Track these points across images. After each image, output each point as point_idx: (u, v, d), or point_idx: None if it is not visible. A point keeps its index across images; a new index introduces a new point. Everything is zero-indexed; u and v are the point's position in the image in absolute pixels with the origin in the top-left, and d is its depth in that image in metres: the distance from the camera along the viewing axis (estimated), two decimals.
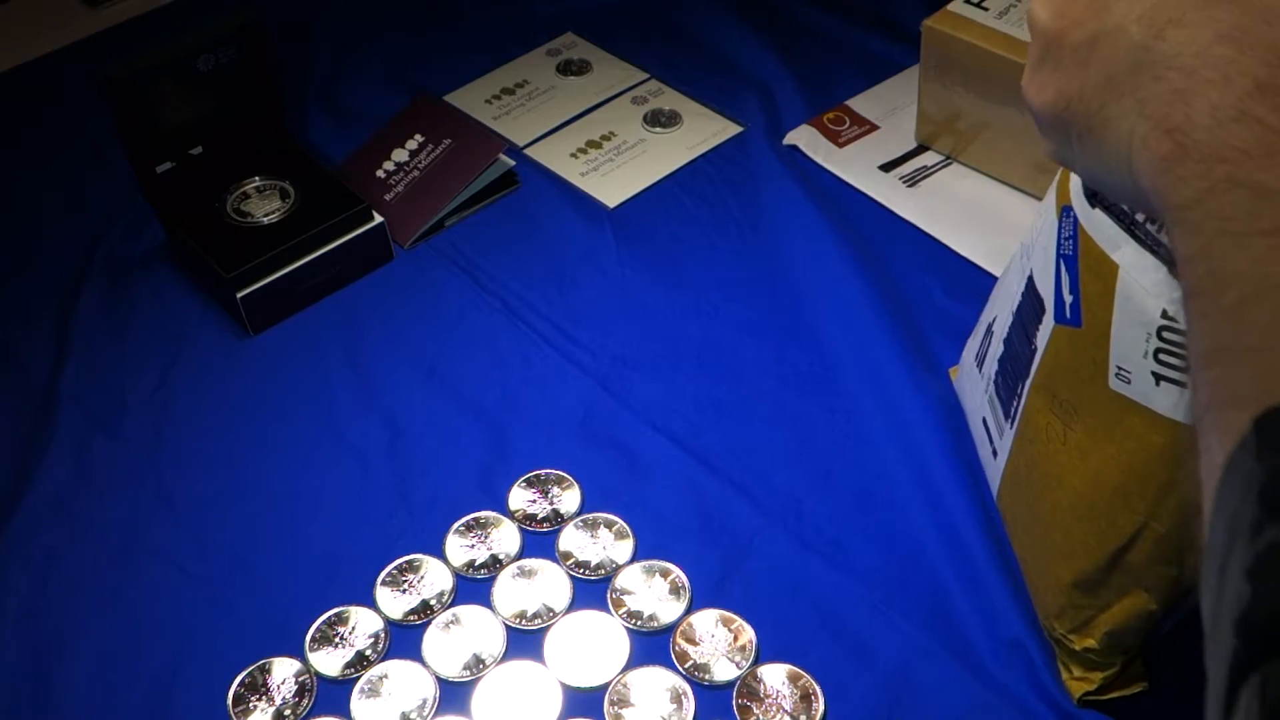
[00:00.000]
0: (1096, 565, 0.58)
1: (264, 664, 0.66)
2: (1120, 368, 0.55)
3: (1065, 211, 0.58)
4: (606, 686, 0.64)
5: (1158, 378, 0.53)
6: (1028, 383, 0.62)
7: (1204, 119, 0.31)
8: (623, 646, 0.65)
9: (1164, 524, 0.55)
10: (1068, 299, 0.58)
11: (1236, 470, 0.28)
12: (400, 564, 0.70)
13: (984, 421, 0.70)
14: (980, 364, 0.71)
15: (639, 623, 0.66)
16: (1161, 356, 0.53)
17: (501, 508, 0.73)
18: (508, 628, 0.67)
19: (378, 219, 0.88)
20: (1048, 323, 0.60)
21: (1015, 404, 0.64)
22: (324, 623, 0.68)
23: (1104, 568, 0.58)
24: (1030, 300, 0.62)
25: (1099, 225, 0.55)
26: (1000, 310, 0.68)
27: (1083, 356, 0.57)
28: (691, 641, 0.65)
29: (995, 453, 0.68)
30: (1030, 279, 0.63)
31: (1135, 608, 0.58)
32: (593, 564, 0.69)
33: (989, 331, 0.70)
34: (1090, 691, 0.61)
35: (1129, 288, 0.53)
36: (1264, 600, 0.26)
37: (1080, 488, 0.59)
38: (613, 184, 0.95)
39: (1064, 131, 0.38)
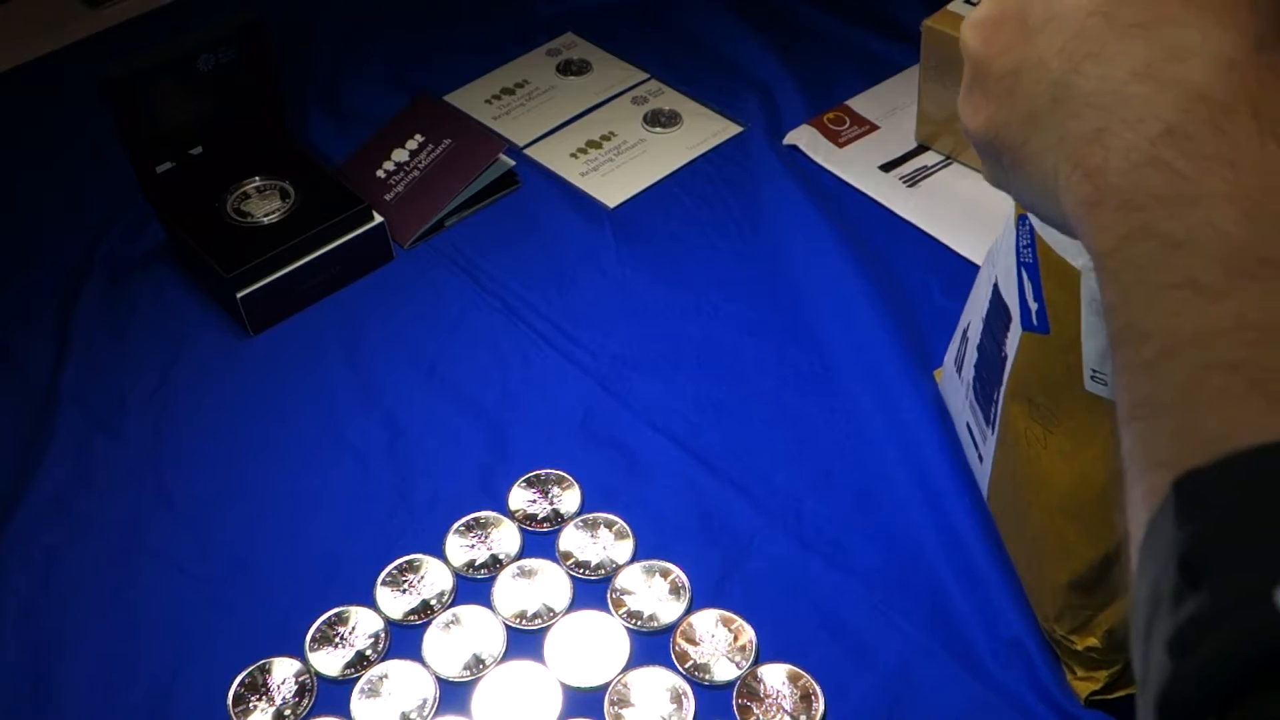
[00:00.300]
0: (1090, 565, 0.58)
1: (264, 664, 0.66)
2: (1095, 370, 0.55)
3: (1021, 220, 0.58)
4: (606, 686, 0.64)
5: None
6: (1002, 389, 0.62)
7: (1119, 162, 0.31)
8: (623, 646, 0.65)
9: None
10: (1033, 306, 0.58)
11: (1158, 534, 0.28)
12: (400, 564, 0.70)
13: (968, 426, 0.70)
14: (959, 369, 0.71)
15: (639, 623, 0.66)
16: None
17: (501, 508, 0.73)
18: (508, 628, 0.67)
19: (378, 219, 0.88)
20: (1015, 330, 0.60)
21: (993, 410, 0.64)
22: (324, 623, 0.68)
23: (1099, 567, 0.58)
24: (997, 308, 0.62)
25: (1055, 233, 0.55)
26: (973, 317, 0.68)
27: (1055, 361, 0.57)
28: (691, 641, 0.65)
29: (981, 458, 0.68)
30: (995, 287, 0.63)
31: None
32: (593, 564, 0.69)
33: (964, 337, 0.70)
34: (1096, 691, 0.61)
35: (1094, 292, 0.53)
36: (1182, 680, 0.25)
37: (1068, 489, 0.59)
38: (613, 184, 0.95)
39: (996, 157, 0.38)
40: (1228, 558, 0.26)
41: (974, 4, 0.88)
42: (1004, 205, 0.89)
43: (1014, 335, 0.60)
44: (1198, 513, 0.27)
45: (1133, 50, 0.32)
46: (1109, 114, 0.32)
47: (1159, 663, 0.26)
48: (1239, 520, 0.26)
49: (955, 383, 0.72)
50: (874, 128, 0.97)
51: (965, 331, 0.69)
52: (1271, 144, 0.30)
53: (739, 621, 0.66)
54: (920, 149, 0.95)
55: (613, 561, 0.69)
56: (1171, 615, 0.26)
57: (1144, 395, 0.30)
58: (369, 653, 0.66)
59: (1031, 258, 0.57)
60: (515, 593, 0.68)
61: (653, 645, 0.66)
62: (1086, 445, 0.57)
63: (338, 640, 0.67)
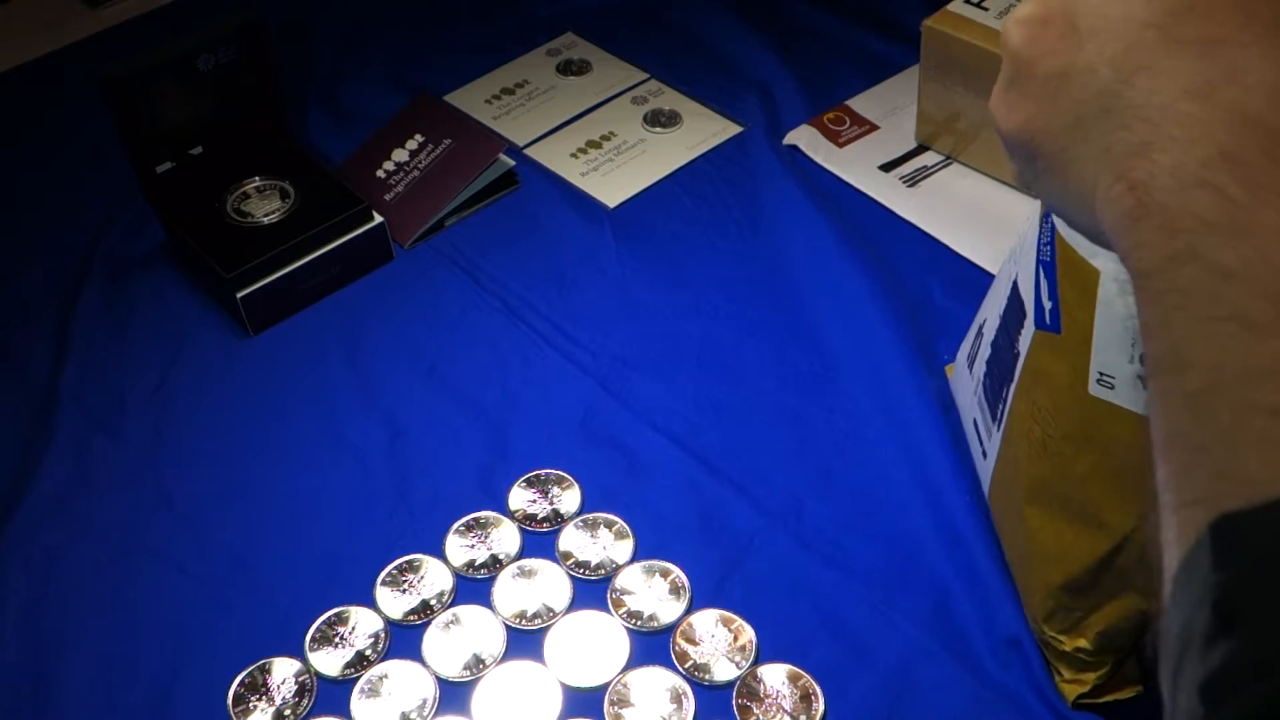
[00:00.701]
0: (1085, 568, 0.58)
1: (264, 664, 0.66)
2: (1102, 373, 0.54)
3: (1045, 217, 0.58)
4: (606, 686, 0.64)
5: (1144, 380, 0.53)
6: (1012, 387, 0.62)
7: (1167, 179, 0.31)
8: (623, 646, 0.65)
9: (1155, 527, 0.55)
10: (1047, 305, 0.58)
11: (1193, 572, 0.28)
12: (400, 564, 0.70)
13: (974, 422, 0.70)
14: (971, 365, 0.71)
15: (639, 623, 0.66)
16: None
17: (501, 508, 0.73)
18: (508, 628, 0.67)
19: (378, 219, 0.88)
20: (1029, 328, 0.60)
21: (1001, 408, 0.64)
22: (324, 623, 0.68)
23: (1094, 570, 0.58)
24: (1014, 304, 0.62)
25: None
26: (990, 313, 0.68)
27: (1061, 363, 0.57)
28: (691, 641, 0.65)
29: (985, 454, 0.68)
30: (1015, 283, 0.63)
31: (1126, 608, 0.58)
32: (593, 564, 0.69)
33: (980, 333, 0.70)
34: (1084, 694, 0.61)
35: (1111, 293, 0.53)
36: None
37: (1066, 492, 0.59)
38: (613, 184, 0.95)
39: (1030, 159, 0.38)
40: (1264, 607, 0.26)
41: (975, 4, 0.88)
42: (1004, 205, 0.89)
43: (1027, 333, 0.60)
44: (1235, 557, 0.27)
45: (1188, 67, 0.32)
46: (1159, 130, 0.32)
47: (1189, 706, 0.26)
48: (1274, 568, 0.26)
49: (965, 379, 0.72)
50: (874, 128, 0.97)
51: (981, 328, 0.69)
52: None
53: (739, 621, 0.66)
54: (920, 149, 0.95)
55: (613, 561, 0.69)
56: (1203, 658, 0.26)
57: (1184, 429, 0.30)
58: (369, 653, 0.66)
59: (1050, 256, 0.57)
60: (515, 593, 0.68)
61: (653, 645, 0.66)
62: (1085, 451, 0.57)
63: (338, 640, 0.67)
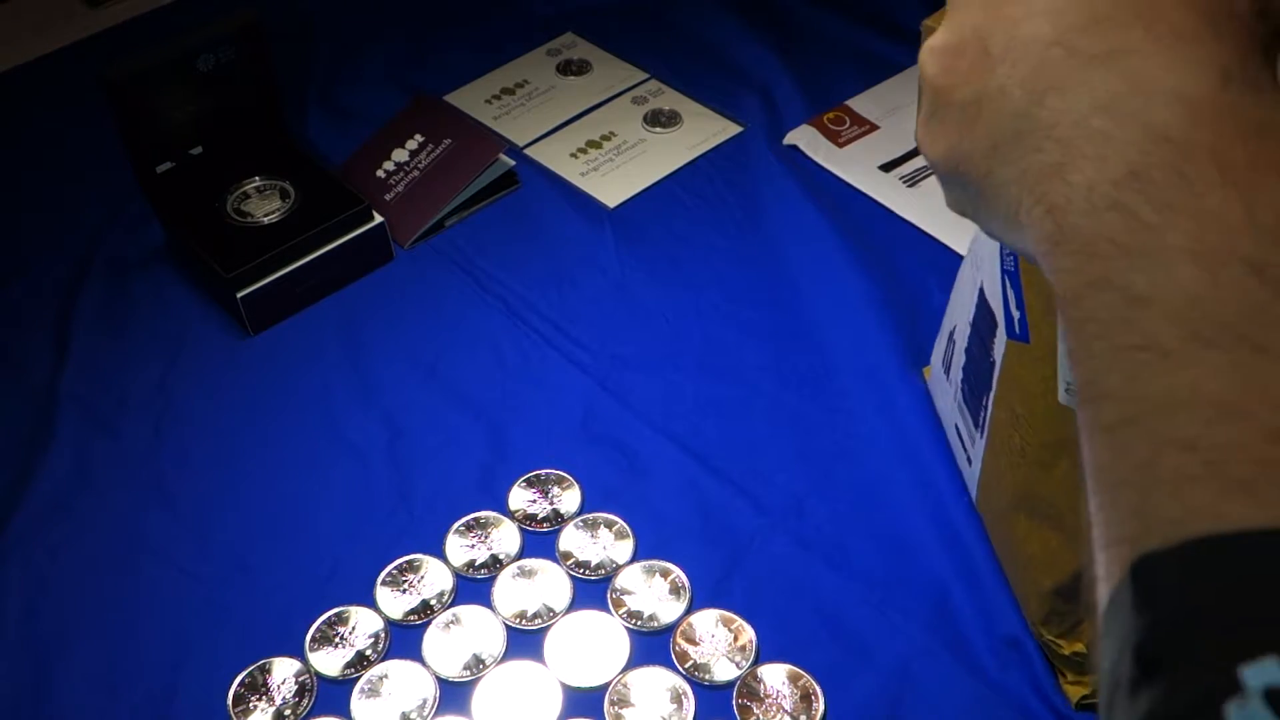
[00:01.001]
0: (1073, 574, 0.58)
1: (264, 664, 0.66)
2: (1069, 383, 0.54)
3: None
4: (606, 686, 0.64)
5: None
6: (991, 395, 0.62)
7: (1080, 201, 0.31)
8: (623, 646, 0.65)
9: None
10: (1015, 314, 0.58)
11: (1117, 614, 0.28)
12: (400, 564, 0.70)
13: (956, 428, 0.70)
14: (947, 371, 0.70)
15: (639, 623, 0.66)
16: None
17: (501, 508, 0.73)
18: (508, 628, 0.67)
19: (378, 219, 0.88)
20: (1001, 336, 0.60)
21: (983, 415, 0.64)
22: (324, 623, 0.68)
23: (1081, 576, 0.58)
24: (984, 312, 0.62)
25: None
26: (959, 319, 0.68)
27: (1033, 372, 0.57)
28: (691, 641, 0.65)
29: (970, 460, 0.68)
30: (981, 291, 0.63)
31: None
32: (593, 564, 0.69)
33: (951, 339, 0.69)
34: (1087, 696, 0.61)
35: None
36: None
37: (1050, 497, 0.59)
38: (613, 184, 0.95)
39: (961, 186, 0.38)
40: (1181, 654, 0.26)
41: None
42: None
43: (1000, 342, 0.60)
44: (1153, 599, 0.27)
45: (1095, 82, 0.32)
46: (1071, 149, 0.32)
47: None
48: (1192, 613, 0.26)
49: (944, 384, 0.72)
50: (874, 128, 0.97)
51: (952, 334, 0.69)
52: (1233, 196, 0.29)
53: (739, 621, 0.66)
54: None
55: (613, 561, 0.69)
56: (1130, 704, 0.26)
57: (1105, 463, 0.30)
58: (369, 653, 0.66)
59: (1014, 265, 0.57)
60: (515, 593, 0.68)
61: (653, 645, 0.66)
62: (1061, 457, 0.57)
63: (338, 640, 0.67)
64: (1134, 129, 0.30)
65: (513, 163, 0.95)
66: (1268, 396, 0.27)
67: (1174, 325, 0.28)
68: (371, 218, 0.88)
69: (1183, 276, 0.28)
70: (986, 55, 0.35)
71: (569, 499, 0.73)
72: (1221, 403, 0.27)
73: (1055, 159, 0.32)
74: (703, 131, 0.99)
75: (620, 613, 0.67)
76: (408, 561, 0.70)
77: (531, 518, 0.72)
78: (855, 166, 0.94)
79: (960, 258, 0.85)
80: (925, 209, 0.89)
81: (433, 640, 0.66)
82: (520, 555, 0.70)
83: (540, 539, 0.71)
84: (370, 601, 0.68)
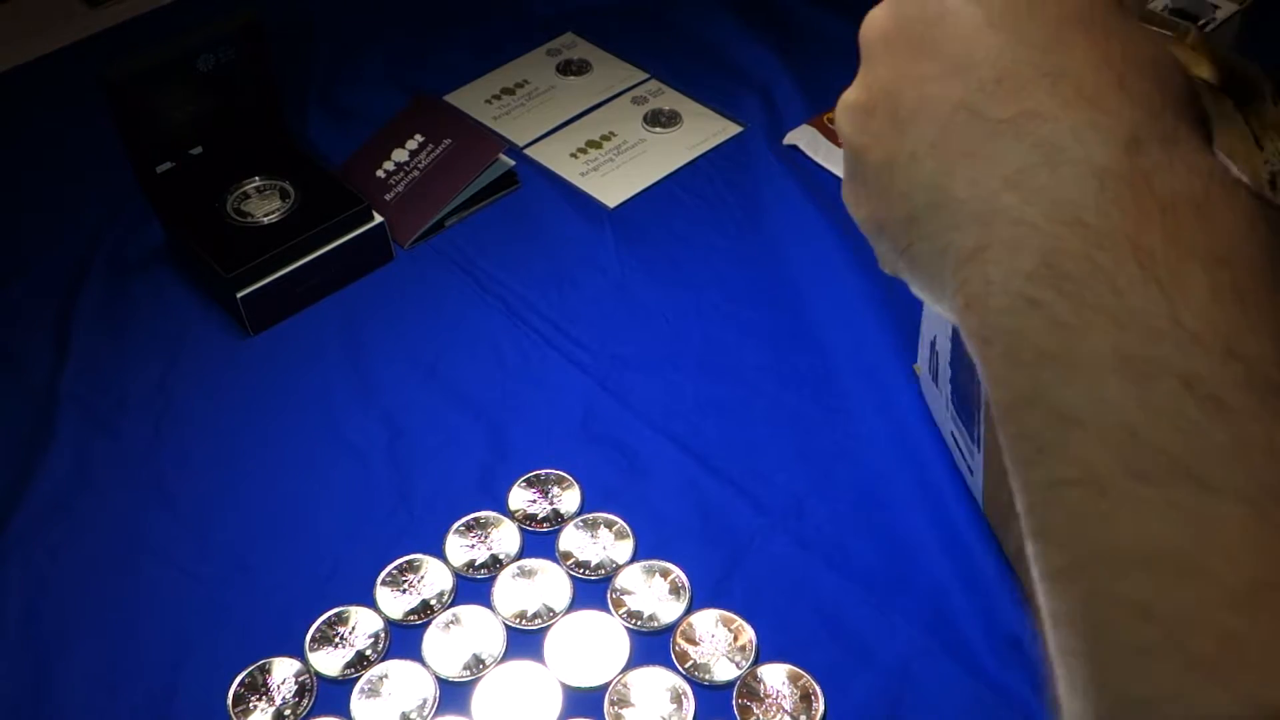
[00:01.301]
0: None
1: (264, 664, 0.66)
2: None
3: None
4: (606, 686, 0.64)
5: None
6: (982, 412, 0.62)
7: (1000, 296, 0.29)
8: (623, 646, 0.65)
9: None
10: None
11: None
12: (400, 564, 0.70)
13: (953, 435, 0.70)
14: (935, 379, 0.70)
15: (639, 623, 0.66)
16: None
17: (501, 508, 0.73)
18: (508, 628, 0.67)
19: (378, 219, 0.88)
20: None
21: (977, 430, 0.64)
22: (324, 623, 0.68)
23: None
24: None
25: None
26: (938, 331, 0.68)
27: None
28: (691, 641, 0.65)
29: (971, 470, 0.68)
30: None
31: None
32: (593, 564, 0.69)
33: (934, 350, 0.69)
34: None
35: None
36: None
37: None
38: (613, 184, 0.95)
39: (887, 250, 0.36)
40: None
41: None
42: None
43: None
44: None
45: (1003, 152, 0.30)
46: (987, 231, 0.30)
47: None
48: None
49: (933, 390, 0.71)
50: None
51: (934, 344, 0.69)
52: (1155, 294, 0.26)
53: (739, 621, 0.66)
54: None
55: (613, 561, 0.69)
56: None
57: (1058, 613, 0.28)
58: (369, 653, 0.66)
59: None
60: (515, 593, 0.68)
61: (653, 645, 0.66)
62: None
63: (338, 640, 0.67)
64: (1044, 207, 0.28)
65: (513, 163, 0.95)
66: (1219, 547, 0.24)
67: (1109, 454, 0.26)
68: (371, 218, 0.88)
69: (1112, 393, 0.26)
70: (896, 116, 0.33)
71: (569, 499, 0.73)
72: (1173, 557, 0.25)
73: (974, 241, 0.30)
74: (703, 131, 0.99)
75: (620, 613, 0.67)
76: (408, 561, 0.70)
77: (531, 518, 0.72)
78: None
79: None
80: None
81: (433, 640, 0.66)
82: (520, 555, 0.70)
83: (540, 539, 0.71)
84: (370, 601, 0.68)
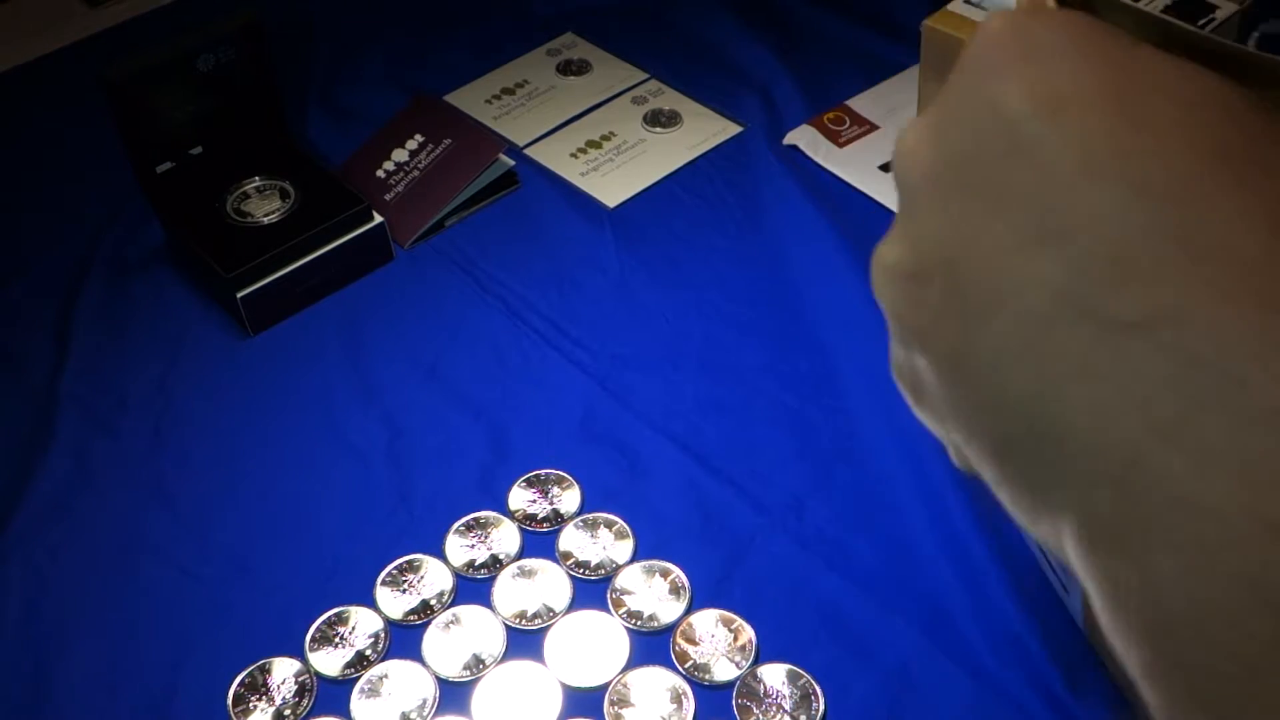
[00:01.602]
0: None
1: (264, 664, 0.66)
2: None
3: None
4: (606, 686, 0.64)
5: None
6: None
7: (1166, 615, 0.21)
8: (623, 646, 0.65)
9: None
10: None
11: None
12: (400, 564, 0.70)
13: (1040, 551, 0.68)
14: None
15: (639, 623, 0.66)
16: None
17: (501, 508, 0.73)
18: (508, 628, 0.67)
19: (378, 219, 0.88)
20: None
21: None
22: (324, 623, 0.68)
23: None
24: None
25: None
26: None
27: None
28: (691, 641, 0.65)
29: (1065, 589, 0.66)
30: None
31: None
32: (593, 564, 0.69)
33: None
34: None
35: None
36: None
37: None
38: (613, 184, 0.95)
39: (958, 459, 0.27)
40: None
41: (975, 4, 0.88)
42: None
43: None
44: None
45: (1138, 376, 0.21)
46: (1132, 505, 0.21)
47: None
48: None
49: None
50: (874, 128, 0.97)
51: None
52: None
53: (739, 621, 0.66)
54: None
55: (613, 561, 0.69)
56: None
57: None
58: (369, 653, 0.66)
59: None
60: (515, 593, 0.68)
61: (653, 645, 0.66)
62: None
63: (338, 640, 0.67)
64: (1223, 481, 0.20)
65: (513, 163, 0.95)
66: None
67: None
68: (371, 218, 0.88)
69: None
70: (964, 296, 0.25)
71: (569, 499, 0.73)
72: None
73: (1108, 509, 0.21)
74: (703, 131, 0.99)
75: (620, 613, 0.67)
76: (408, 561, 0.70)
77: (531, 518, 0.72)
78: (855, 166, 0.94)
79: None
80: None
81: (433, 640, 0.66)
82: (520, 555, 0.70)
83: (540, 539, 0.71)
84: (370, 601, 0.68)
